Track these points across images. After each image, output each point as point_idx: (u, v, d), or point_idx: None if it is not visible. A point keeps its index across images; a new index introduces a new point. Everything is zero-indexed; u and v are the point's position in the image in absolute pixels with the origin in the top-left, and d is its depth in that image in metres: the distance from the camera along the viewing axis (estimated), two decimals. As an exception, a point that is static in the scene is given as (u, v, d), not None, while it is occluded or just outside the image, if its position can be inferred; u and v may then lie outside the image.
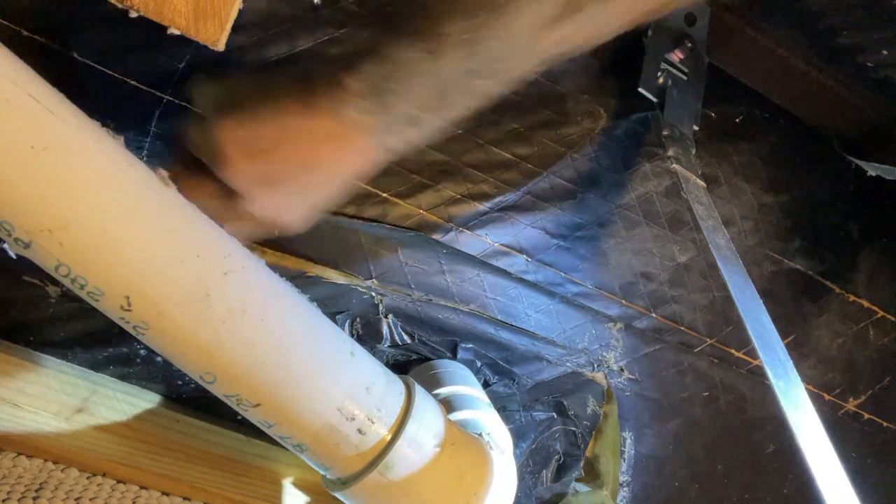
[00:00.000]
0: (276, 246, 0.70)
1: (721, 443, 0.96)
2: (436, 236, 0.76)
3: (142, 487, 0.61)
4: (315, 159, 0.45)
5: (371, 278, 0.73)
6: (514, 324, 0.81)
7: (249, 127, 0.45)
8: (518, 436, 0.81)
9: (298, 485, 0.71)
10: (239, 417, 0.56)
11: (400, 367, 0.76)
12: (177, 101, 0.63)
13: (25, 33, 0.57)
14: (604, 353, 0.87)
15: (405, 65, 0.42)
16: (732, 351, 0.95)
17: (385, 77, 0.43)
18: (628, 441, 0.89)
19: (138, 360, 0.66)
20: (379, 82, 0.43)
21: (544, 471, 0.85)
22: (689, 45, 0.81)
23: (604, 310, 0.86)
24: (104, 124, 0.48)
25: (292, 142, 0.45)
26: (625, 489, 0.89)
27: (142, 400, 0.66)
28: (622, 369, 0.88)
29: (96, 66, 0.60)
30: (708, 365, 0.93)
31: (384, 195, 0.74)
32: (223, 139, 0.45)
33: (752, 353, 0.95)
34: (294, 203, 0.48)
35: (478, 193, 0.78)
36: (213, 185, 0.48)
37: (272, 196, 0.47)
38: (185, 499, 0.63)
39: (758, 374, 0.96)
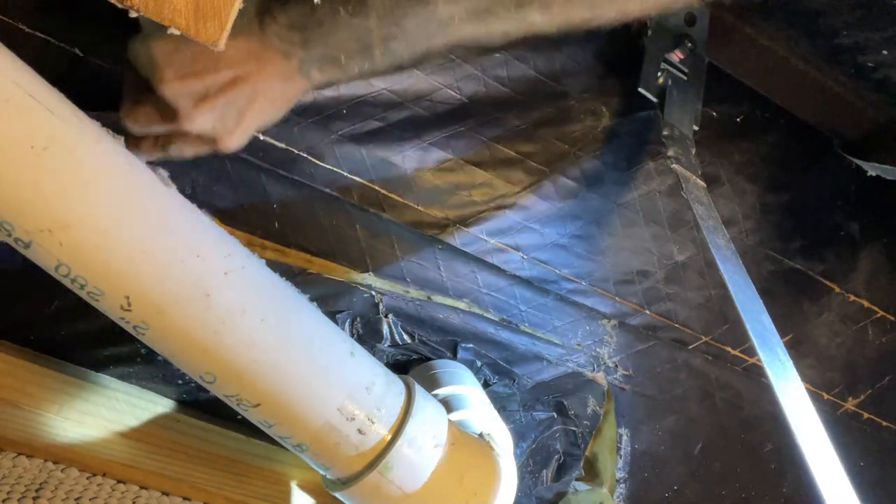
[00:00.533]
0: (275, 237, 0.70)
1: (717, 441, 0.96)
2: (433, 233, 0.76)
3: (142, 487, 0.61)
4: (241, 77, 0.49)
5: (368, 271, 0.73)
6: (507, 319, 0.81)
7: (183, 47, 0.48)
8: (518, 436, 0.81)
9: (303, 487, 0.71)
10: (239, 417, 0.56)
11: (400, 367, 0.76)
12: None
13: (27, 30, 0.57)
14: (597, 349, 0.87)
15: (329, 15, 0.48)
16: (728, 349, 0.95)
17: (308, 18, 0.48)
18: (624, 438, 0.89)
19: (138, 360, 0.66)
20: (303, 21, 0.48)
21: (544, 470, 0.85)
22: (689, 45, 0.81)
23: (597, 306, 0.86)
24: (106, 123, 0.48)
25: (221, 59, 0.49)
26: (622, 486, 0.89)
27: (142, 400, 0.66)
28: (616, 365, 0.88)
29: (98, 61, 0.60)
30: (702, 362, 0.93)
31: (383, 192, 0.74)
32: (160, 59, 0.48)
33: (748, 351, 0.95)
34: (227, 120, 0.51)
35: (478, 191, 0.78)
36: (155, 104, 0.50)
37: (207, 112, 0.50)
38: (185, 499, 0.63)
39: (754, 373, 0.96)
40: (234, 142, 0.53)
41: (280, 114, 0.55)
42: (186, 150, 0.53)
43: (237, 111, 0.51)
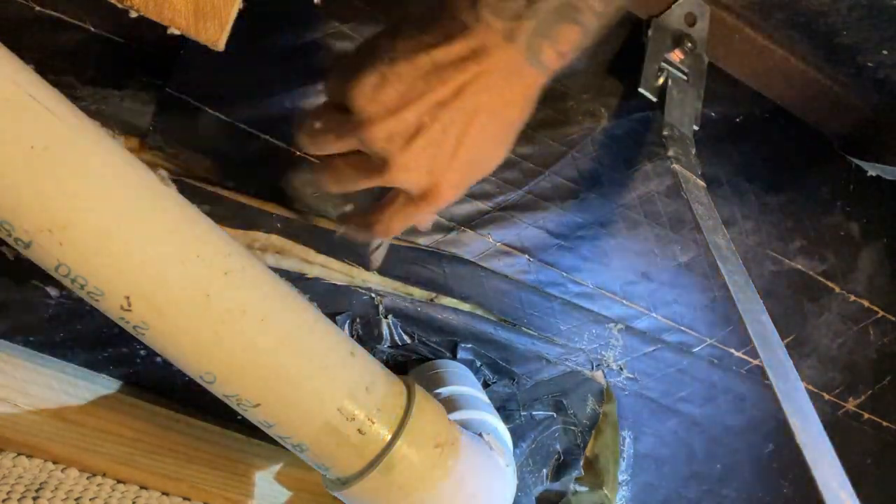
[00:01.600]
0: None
1: (720, 442, 0.96)
2: (438, 235, 0.76)
3: (142, 487, 0.61)
4: (457, 89, 0.38)
5: (371, 270, 0.73)
6: (513, 322, 0.81)
7: (381, 71, 0.38)
8: (518, 435, 0.81)
9: (303, 487, 0.71)
10: (239, 417, 0.56)
11: (400, 367, 0.76)
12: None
13: (38, 8, 0.57)
14: (603, 353, 0.87)
15: None
16: (732, 351, 0.95)
17: None
18: (627, 440, 0.89)
19: (138, 360, 0.66)
20: None
21: (544, 470, 0.85)
22: (689, 45, 0.81)
23: (604, 310, 0.86)
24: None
25: (429, 73, 0.38)
26: (624, 488, 0.89)
27: (142, 400, 0.66)
28: (621, 368, 0.88)
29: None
30: (707, 365, 0.93)
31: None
32: (358, 97, 0.39)
33: (752, 353, 0.95)
34: (439, 159, 0.40)
35: (479, 192, 0.78)
36: (344, 164, 0.43)
37: (416, 153, 0.39)
38: (185, 499, 0.63)
39: (757, 374, 0.96)
40: (448, 190, 0.41)
41: (509, 132, 0.42)
42: (395, 221, 0.44)
43: (453, 140, 0.39)
